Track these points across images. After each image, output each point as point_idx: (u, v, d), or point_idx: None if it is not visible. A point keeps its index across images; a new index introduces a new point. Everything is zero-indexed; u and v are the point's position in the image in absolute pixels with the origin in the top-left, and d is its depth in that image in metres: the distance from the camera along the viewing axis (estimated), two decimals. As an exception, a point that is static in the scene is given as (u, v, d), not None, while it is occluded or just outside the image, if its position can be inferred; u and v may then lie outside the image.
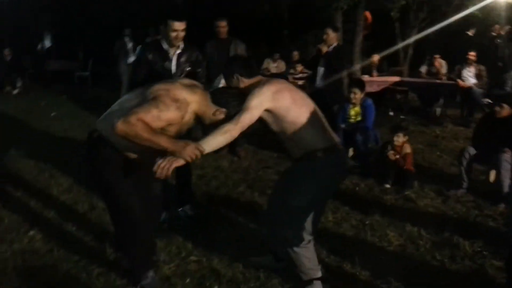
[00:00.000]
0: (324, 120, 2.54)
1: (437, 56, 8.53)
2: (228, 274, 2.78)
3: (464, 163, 4.19)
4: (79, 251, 3.02)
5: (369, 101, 5.15)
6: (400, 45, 10.07)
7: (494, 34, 8.78)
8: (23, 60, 11.88)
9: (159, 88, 2.37)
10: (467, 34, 9.01)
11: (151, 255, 2.73)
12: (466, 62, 7.46)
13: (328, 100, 5.40)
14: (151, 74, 3.29)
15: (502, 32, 8.62)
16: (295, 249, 2.44)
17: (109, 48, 10.16)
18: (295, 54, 9.42)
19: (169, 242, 3.13)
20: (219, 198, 4.02)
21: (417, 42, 10.26)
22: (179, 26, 3.27)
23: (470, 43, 8.65)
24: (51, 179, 4.41)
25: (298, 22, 12.81)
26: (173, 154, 2.20)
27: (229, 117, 2.36)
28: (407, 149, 4.48)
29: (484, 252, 3.06)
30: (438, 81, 7.90)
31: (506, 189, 3.95)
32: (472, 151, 4.21)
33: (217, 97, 2.50)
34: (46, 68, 12.03)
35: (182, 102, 2.33)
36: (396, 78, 8.29)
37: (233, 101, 2.46)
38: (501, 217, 3.64)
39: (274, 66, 9.33)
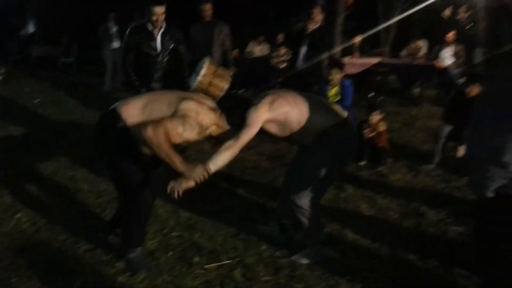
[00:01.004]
0: (324, 101, 2.74)
1: (416, 39, 8.67)
2: (208, 246, 2.96)
3: (441, 141, 4.40)
4: (65, 231, 3.13)
5: (347, 82, 5.30)
6: (382, 26, 10.14)
7: (459, 16, 8.88)
8: (7, 46, 11.78)
9: (190, 107, 2.48)
10: (445, 15, 9.11)
11: (145, 233, 2.85)
12: (444, 43, 7.62)
13: (308, 80, 5.59)
14: (140, 53, 3.92)
15: (464, 15, 8.70)
16: (306, 214, 2.66)
17: (94, 33, 10.11)
18: (280, 37, 9.47)
19: (152, 220, 3.27)
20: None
21: (400, 23, 10.34)
22: (159, 10, 3.85)
23: (450, 23, 8.75)
24: (35, 163, 4.48)
25: (283, 3, 12.82)
26: (182, 174, 2.39)
27: (232, 126, 2.58)
28: (382, 127, 4.66)
29: (448, 220, 3.28)
30: (415, 62, 8.05)
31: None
32: (448, 129, 4.41)
33: (222, 104, 2.68)
34: (30, 54, 11.94)
35: (205, 127, 2.50)
36: (376, 60, 8.44)
37: (236, 110, 2.62)
38: (467, 188, 3.86)
39: (258, 49, 9.42)
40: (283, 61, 8.58)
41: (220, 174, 4.20)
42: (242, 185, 4.01)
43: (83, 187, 3.86)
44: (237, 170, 4.34)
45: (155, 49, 3.97)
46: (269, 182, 4.10)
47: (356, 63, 8.08)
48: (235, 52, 8.01)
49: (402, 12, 10.05)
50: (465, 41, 7.99)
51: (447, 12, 8.94)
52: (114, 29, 8.80)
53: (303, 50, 5.60)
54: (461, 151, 4.40)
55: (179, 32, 4.14)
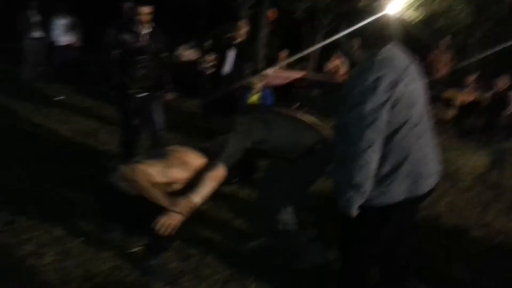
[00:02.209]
0: (307, 118, 2.82)
1: (338, 55, 9.18)
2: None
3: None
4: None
5: (268, 90, 5.58)
6: (305, 52, 10.49)
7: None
8: None
9: (175, 147, 2.58)
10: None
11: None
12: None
13: (234, 88, 5.78)
14: (126, 53, 3.90)
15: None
16: (279, 217, 2.74)
17: (11, 22, 9.59)
18: (208, 44, 9.60)
19: (59, 207, 3.25)
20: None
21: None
22: (144, 10, 3.88)
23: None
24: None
25: (215, 13, 13.06)
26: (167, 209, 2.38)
27: (211, 153, 2.55)
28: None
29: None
30: (336, 80, 8.55)
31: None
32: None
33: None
34: None
35: (189, 165, 2.51)
36: (300, 74, 8.85)
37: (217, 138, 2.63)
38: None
39: (187, 54, 9.50)
40: (211, 67, 8.70)
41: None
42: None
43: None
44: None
45: (142, 49, 3.96)
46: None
47: (281, 76, 8.43)
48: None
49: (326, 35, 10.61)
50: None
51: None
52: (35, 18, 8.40)
53: (231, 55, 5.80)
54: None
55: (161, 34, 4.16)
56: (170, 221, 2.37)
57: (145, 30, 3.97)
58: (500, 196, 4.43)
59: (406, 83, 1.98)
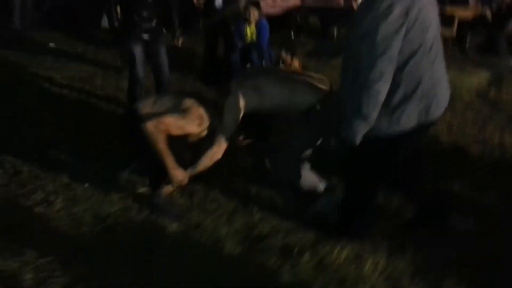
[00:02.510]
0: (303, 76, 2.76)
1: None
2: (125, 177, 3.05)
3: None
4: None
5: (264, 21, 5.40)
6: None
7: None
8: None
9: (191, 102, 2.62)
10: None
11: None
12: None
13: (227, 21, 5.63)
14: None
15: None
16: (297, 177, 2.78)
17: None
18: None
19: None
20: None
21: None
22: None
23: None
24: None
25: None
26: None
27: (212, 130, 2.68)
28: (296, 64, 4.85)
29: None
30: (334, 4, 8.25)
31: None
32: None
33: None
34: None
35: (204, 120, 2.63)
36: (297, 1, 8.55)
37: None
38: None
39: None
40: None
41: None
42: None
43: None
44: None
45: None
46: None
47: (276, 4, 8.15)
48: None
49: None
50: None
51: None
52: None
53: None
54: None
55: None
56: (164, 191, 2.67)
57: None
58: (498, 112, 4.39)
59: (420, 7, 1.91)
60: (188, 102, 2.64)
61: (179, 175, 2.60)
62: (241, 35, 5.36)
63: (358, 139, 2.06)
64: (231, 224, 2.61)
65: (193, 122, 2.59)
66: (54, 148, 3.39)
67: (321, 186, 2.88)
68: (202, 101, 2.70)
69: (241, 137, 2.85)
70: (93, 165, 3.15)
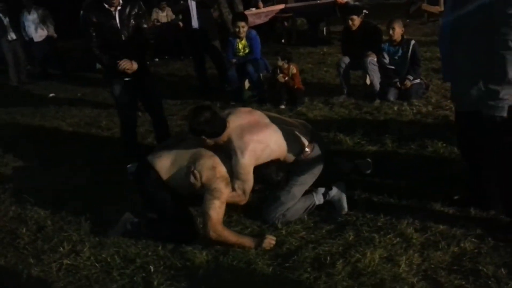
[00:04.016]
0: (289, 121, 2.85)
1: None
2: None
3: (341, 71, 4.69)
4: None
5: (253, 32, 5.40)
6: None
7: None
8: None
9: (212, 174, 2.59)
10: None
11: None
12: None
13: (207, 38, 5.67)
14: (99, 35, 3.53)
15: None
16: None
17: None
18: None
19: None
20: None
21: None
22: None
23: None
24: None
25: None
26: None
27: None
28: (294, 69, 4.87)
29: (362, 142, 3.59)
30: (317, 1, 8.25)
31: (377, 87, 4.52)
32: (346, 60, 4.70)
33: None
34: None
35: (226, 177, 2.61)
36: (281, 6, 8.59)
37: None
38: (376, 111, 4.21)
39: (163, 15, 9.22)
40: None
41: (150, 143, 4.27)
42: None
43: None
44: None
45: (116, 28, 3.52)
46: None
47: (261, 13, 8.19)
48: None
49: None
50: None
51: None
52: (5, 20, 8.17)
53: (193, 5, 5.64)
54: (368, 78, 4.73)
55: (140, 4, 3.69)
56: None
57: (117, 5, 3.52)
58: None
59: None
60: (209, 177, 2.59)
61: (266, 243, 2.53)
62: (234, 50, 5.37)
63: (505, 110, 1.99)
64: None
65: (226, 191, 2.59)
66: (72, 198, 3.40)
67: (318, 198, 2.85)
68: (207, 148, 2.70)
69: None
70: (111, 209, 3.16)
